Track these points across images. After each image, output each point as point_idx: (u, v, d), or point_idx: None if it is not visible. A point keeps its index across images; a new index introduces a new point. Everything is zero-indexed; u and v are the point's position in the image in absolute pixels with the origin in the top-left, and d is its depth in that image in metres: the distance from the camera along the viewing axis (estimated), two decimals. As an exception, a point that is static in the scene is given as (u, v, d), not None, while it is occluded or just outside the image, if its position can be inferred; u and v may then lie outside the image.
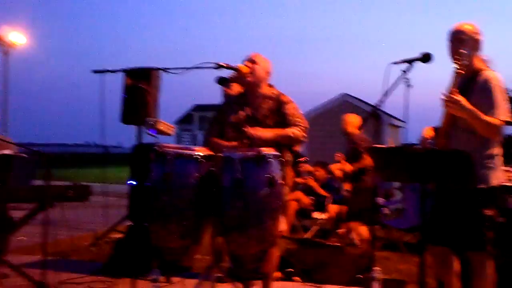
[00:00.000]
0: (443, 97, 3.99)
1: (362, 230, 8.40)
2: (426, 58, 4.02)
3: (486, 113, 3.88)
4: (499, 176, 4.07)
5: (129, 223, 6.36)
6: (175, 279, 5.14)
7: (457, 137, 4.05)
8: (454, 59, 3.98)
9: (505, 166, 5.58)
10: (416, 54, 4.05)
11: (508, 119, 3.96)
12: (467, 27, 4.10)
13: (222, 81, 4.82)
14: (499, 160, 4.09)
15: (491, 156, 4.03)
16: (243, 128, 4.44)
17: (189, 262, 4.17)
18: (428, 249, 4.38)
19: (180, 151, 4.04)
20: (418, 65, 4.05)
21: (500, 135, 4.02)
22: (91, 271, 5.83)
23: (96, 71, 5.45)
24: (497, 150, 4.08)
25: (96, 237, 7.61)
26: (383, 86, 3.99)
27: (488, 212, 3.98)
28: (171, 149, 4.03)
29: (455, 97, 3.89)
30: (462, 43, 4.01)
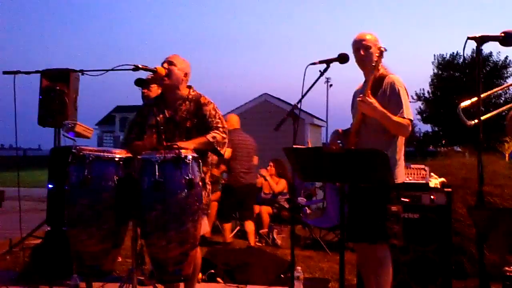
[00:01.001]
0: (358, 99, 4.21)
1: (249, 226, 8.57)
2: (343, 59, 4.16)
3: (394, 114, 4.15)
4: (402, 174, 4.38)
5: (47, 228, 6.20)
6: (95, 284, 5.05)
7: (367, 136, 4.30)
8: (367, 62, 4.25)
9: (418, 163, 5.81)
10: (334, 55, 4.17)
11: (412, 118, 4.23)
12: (367, 36, 4.38)
13: (140, 83, 4.77)
14: (402, 158, 4.37)
15: (396, 155, 4.31)
16: (162, 137, 4.43)
17: (110, 266, 4.10)
18: (353, 247, 4.52)
19: (99, 153, 3.96)
20: (338, 65, 4.18)
21: (408, 132, 4.23)
22: (6, 281, 5.61)
23: (5, 72, 5.25)
24: (401, 149, 4.35)
25: (11, 245, 7.32)
26: (302, 86, 4.08)
27: (394, 207, 4.21)
28: (90, 152, 3.95)
29: (369, 99, 4.13)
30: (367, 49, 4.31)
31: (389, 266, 4.28)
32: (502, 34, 3.06)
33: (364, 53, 4.32)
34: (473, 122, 3.37)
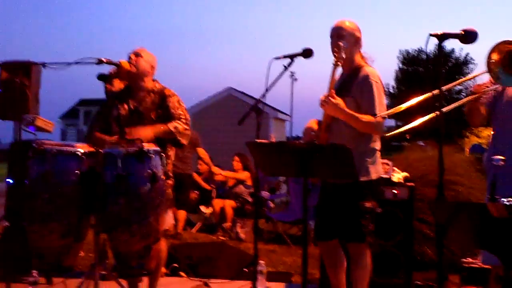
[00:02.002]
0: (321, 98, 4.11)
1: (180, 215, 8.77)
2: (307, 53, 4.12)
3: (366, 110, 4.05)
4: (378, 169, 4.25)
5: (5, 223, 6.09)
6: (56, 279, 4.97)
7: (339, 130, 4.17)
8: (333, 52, 4.11)
9: (382, 158, 5.85)
10: (299, 49, 4.14)
11: (386, 116, 4.15)
12: (347, 24, 4.23)
13: (102, 77, 4.73)
14: (378, 154, 4.26)
15: (371, 150, 4.20)
16: (124, 130, 4.40)
17: (71, 262, 4.05)
18: (318, 244, 4.50)
19: (60, 147, 3.92)
20: (303, 59, 4.14)
21: (380, 131, 4.19)
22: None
23: None
24: (376, 144, 4.25)
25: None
26: (266, 80, 4.07)
27: (367, 204, 4.13)
28: (51, 146, 3.90)
29: (332, 99, 4.03)
30: (342, 39, 4.13)
31: (366, 265, 4.21)
32: (462, 32, 3.11)
33: (338, 43, 4.12)
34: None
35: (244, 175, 9.90)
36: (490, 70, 3.29)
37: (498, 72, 3.25)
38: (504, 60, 3.22)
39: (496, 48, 3.23)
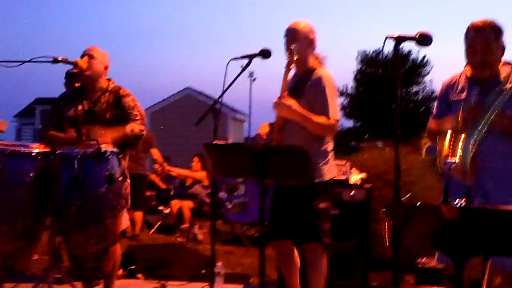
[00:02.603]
0: (274, 101, 4.11)
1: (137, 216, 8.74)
2: (265, 54, 4.10)
3: (319, 112, 4.05)
4: (331, 170, 4.26)
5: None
6: (7, 285, 4.87)
7: (292, 132, 4.16)
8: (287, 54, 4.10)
9: (341, 159, 5.89)
10: (258, 49, 4.13)
11: (338, 118, 4.17)
12: (301, 26, 4.23)
13: (70, 77, 4.67)
14: (331, 155, 4.28)
15: (324, 151, 4.21)
16: (82, 131, 4.34)
17: (24, 265, 3.97)
18: (271, 244, 4.51)
19: (14, 148, 3.81)
20: (261, 60, 4.11)
21: (334, 132, 4.18)
22: None
23: None
24: (329, 145, 4.26)
25: None
26: (223, 82, 4.06)
27: (322, 205, 4.15)
28: (3, 146, 3.80)
29: (285, 101, 4.04)
30: (295, 41, 4.13)
31: (322, 267, 4.20)
32: (418, 35, 3.15)
33: (291, 44, 4.12)
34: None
35: (200, 174, 9.87)
36: None
37: None
38: None
39: None
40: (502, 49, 3.49)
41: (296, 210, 4.16)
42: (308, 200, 4.12)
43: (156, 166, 10.31)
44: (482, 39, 3.43)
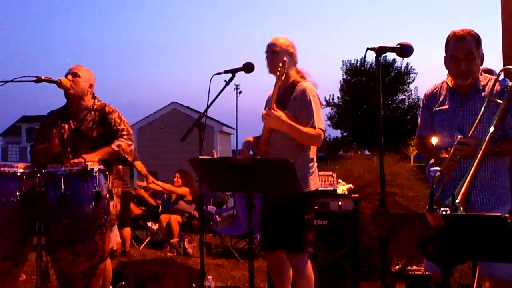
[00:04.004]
0: (263, 112, 4.16)
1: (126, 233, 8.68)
2: (248, 68, 4.15)
3: (304, 123, 4.10)
4: (316, 181, 4.31)
5: None
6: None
7: (277, 143, 4.21)
8: (275, 69, 4.11)
9: (327, 170, 5.91)
10: (241, 63, 4.17)
11: (323, 128, 4.20)
12: (280, 41, 4.31)
13: None
14: (315, 165, 4.33)
15: (309, 162, 4.27)
16: (68, 151, 4.34)
17: (12, 286, 3.94)
18: (266, 256, 4.53)
19: (-2, 168, 3.81)
20: (244, 73, 4.18)
21: (319, 142, 4.20)
22: None
23: None
24: (313, 156, 4.32)
25: None
26: (208, 96, 4.08)
27: (306, 216, 4.20)
28: (-13, 167, 3.79)
29: (274, 112, 4.07)
30: (277, 55, 4.20)
31: (308, 275, 4.24)
32: (398, 46, 3.19)
33: (272, 58, 4.23)
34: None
35: (183, 190, 9.85)
36: None
37: None
38: None
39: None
40: (482, 57, 3.53)
41: (282, 220, 4.22)
42: (294, 210, 4.17)
43: (138, 182, 10.27)
44: (464, 47, 3.47)
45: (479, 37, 3.52)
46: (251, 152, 4.40)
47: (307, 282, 4.24)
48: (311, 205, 4.28)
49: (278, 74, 4.08)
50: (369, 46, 3.17)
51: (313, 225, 4.32)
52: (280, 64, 4.07)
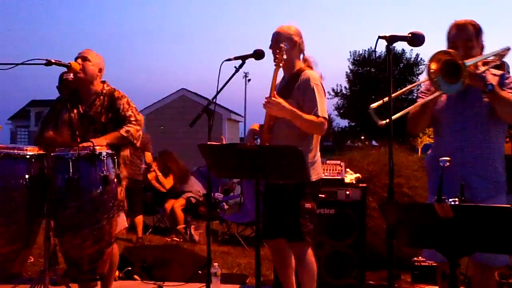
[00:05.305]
0: (264, 101, 4.13)
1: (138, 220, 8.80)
2: (258, 55, 4.14)
3: (308, 111, 4.09)
4: (318, 170, 4.31)
5: None
6: (3, 287, 4.87)
7: (280, 132, 4.22)
8: (275, 54, 4.12)
9: (335, 159, 5.90)
10: (250, 51, 4.15)
11: (326, 116, 4.19)
12: (285, 29, 4.29)
13: (62, 80, 4.65)
14: (318, 155, 4.33)
15: (311, 151, 4.25)
16: (76, 135, 4.34)
17: (20, 268, 3.96)
18: (266, 243, 4.53)
19: (8, 151, 3.81)
20: (255, 60, 4.16)
21: (323, 130, 4.19)
22: None
23: None
24: (316, 145, 4.31)
25: None
26: (218, 82, 4.07)
27: (307, 205, 4.20)
28: (-1, 149, 3.80)
29: (275, 99, 4.06)
30: (279, 42, 4.16)
31: (310, 263, 4.25)
32: (410, 35, 3.17)
33: (273, 46, 4.21)
34: (383, 122, 3.45)
35: (168, 183, 9.94)
36: (431, 79, 3.36)
37: (438, 81, 3.33)
38: (442, 70, 3.29)
39: (434, 57, 3.30)
40: (481, 48, 3.54)
41: (283, 209, 4.23)
42: (295, 199, 4.17)
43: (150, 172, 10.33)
44: (463, 35, 3.49)
45: (480, 27, 3.54)
46: (258, 141, 4.40)
47: (308, 271, 4.26)
48: (312, 195, 4.26)
49: (276, 60, 4.09)
50: (380, 35, 3.15)
51: (315, 215, 4.30)
52: (278, 50, 4.08)
